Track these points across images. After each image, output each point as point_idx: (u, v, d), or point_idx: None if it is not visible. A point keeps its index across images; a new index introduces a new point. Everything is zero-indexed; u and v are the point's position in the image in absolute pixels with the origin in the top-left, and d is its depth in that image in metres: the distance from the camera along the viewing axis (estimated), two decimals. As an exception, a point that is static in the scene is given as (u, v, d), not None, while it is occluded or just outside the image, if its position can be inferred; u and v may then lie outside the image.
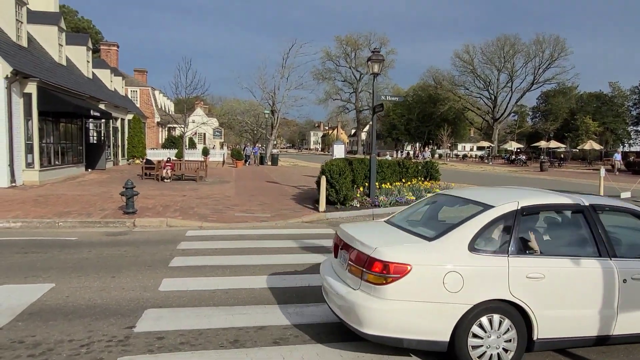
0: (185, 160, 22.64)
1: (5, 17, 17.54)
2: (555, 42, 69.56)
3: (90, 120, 23.78)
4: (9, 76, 14.89)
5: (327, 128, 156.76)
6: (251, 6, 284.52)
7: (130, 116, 32.15)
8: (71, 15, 73.01)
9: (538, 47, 70.87)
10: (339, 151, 24.76)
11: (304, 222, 11.52)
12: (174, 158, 26.56)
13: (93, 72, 30.37)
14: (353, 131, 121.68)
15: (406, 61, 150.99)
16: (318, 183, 13.39)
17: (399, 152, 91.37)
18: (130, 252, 7.83)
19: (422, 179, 17.96)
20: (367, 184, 15.11)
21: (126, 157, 31.24)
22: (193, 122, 62.33)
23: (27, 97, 16.27)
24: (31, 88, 16.27)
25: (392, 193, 14.84)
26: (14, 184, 15.37)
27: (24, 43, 18.48)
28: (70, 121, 20.30)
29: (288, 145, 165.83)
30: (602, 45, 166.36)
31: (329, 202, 12.88)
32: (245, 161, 38.66)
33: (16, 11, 17.84)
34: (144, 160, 23.36)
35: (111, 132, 27.27)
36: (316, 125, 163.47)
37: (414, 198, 14.72)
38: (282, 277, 6.58)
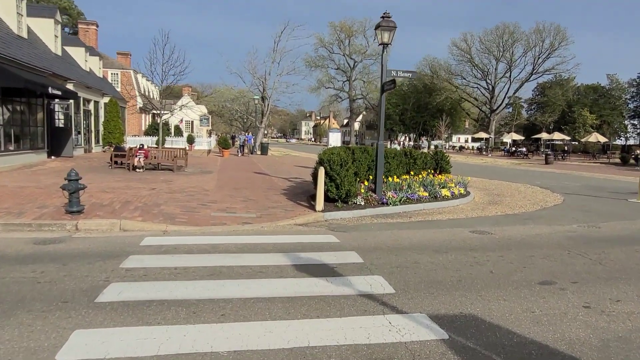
0: (163, 148, 20.11)
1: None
2: (556, 31, 67.34)
3: (56, 101, 21.10)
4: (-61, 41, 12.26)
5: (318, 118, 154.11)
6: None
7: (106, 99, 29.39)
8: (51, -6, 69.36)
9: (538, 36, 68.60)
10: (335, 140, 22.42)
11: (298, 225, 9.16)
12: (153, 145, 24.02)
13: (64, 50, 27.54)
14: (345, 121, 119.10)
15: (401, 50, 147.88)
16: (314, 176, 11.01)
17: (392, 142, 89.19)
18: (49, 275, 5.42)
19: (432, 171, 15.67)
20: (371, 177, 12.78)
21: (101, 144, 28.54)
22: (180, 109, 59.70)
23: (-33, 69, 13.65)
24: (-28, 58, 13.64)
25: (402, 188, 12.51)
26: (-52, 173, 12.82)
27: (-30, 7, 15.76)
28: (28, 101, 17.64)
29: (279, 135, 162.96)
30: (601, 37, 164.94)
31: (327, 199, 10.53)
32: (240, 151, 35.93)
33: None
34: (113, 147, 20.77)
35: (82, 115, 24.55)
36: (308, 115, 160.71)
37: (427, 194, 12.42)
38: (266, 326, 4.21)
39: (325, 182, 10.31)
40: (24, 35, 20.02)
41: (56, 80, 20.28)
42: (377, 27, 11.23)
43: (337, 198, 10.57)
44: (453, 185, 13.87)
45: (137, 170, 17.02)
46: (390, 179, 13.05)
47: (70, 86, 21.82)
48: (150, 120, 50.80)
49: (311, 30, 61.12)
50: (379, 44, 11.42)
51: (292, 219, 9.43)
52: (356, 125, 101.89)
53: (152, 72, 19.66)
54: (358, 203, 10.92)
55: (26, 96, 17.23)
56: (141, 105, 45.07)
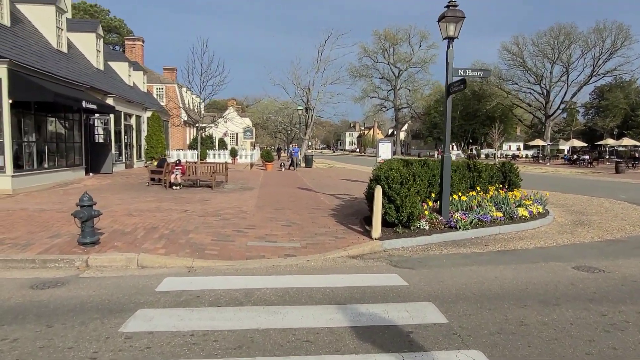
0: (202, 163, 19.01)
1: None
2: (618, 30, 62.57)
3: (96, 116, 20.54)
4: (-35, 55, 11.55)
5: (362, 128, 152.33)
6: (289, 10, 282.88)
7: (149, 113, 28.96)
8: (102, 14, 71.81)
9: (598, 35, 64.01)
10: (385, 151, 20.53)
11: (351, 258, 7.48)
12: (192, 160, 23.07)
13: (108, 64, 27.36)
14: (390, 130, 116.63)
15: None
16: (369, 196, 9.31)
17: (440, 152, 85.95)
18: (20, 346, 3.99)
19: (500, 185, 13.57)
20: (433, 195, 10.93)
21: (143, 159, 28.03)
22: (224, 122, 59.61)
23: (-3, 84, 12.95)
24: (2, 72, 12.92)
25: (472, 208, 10.57)
26: (-25, 194, 12.04)
27: (5, 21, 15.23)
28: (65, 117, 17.00)
29: (323, 146, 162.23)
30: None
31: (385, 224, 8.79)
32: (291, 165, 33.04)
33: (-6, -19, 14.62)
34: (157, 161, 19.85)
35: (123, 130, 24.00)
36: (352, 125, 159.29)
37: (501, 214, 10.42)
38: None
39: (382, 204, 8.57)
40: (64, 49, 19.59)
41: (95, 94, 19.69)
42: (441, 18, 9.46)
43: (398, 222, 8.80)
44: (530, 202, 11.76)
45: (174, 187, 15.89)
46: (455, 196, 11.14)
47: (110, 100, 21.24)
48: (195, 134, 50.79)
49: (356, 39, 59.59)
50: (443, 39, 9.63)
51: (344, 250, 7.75)
52: (401, 135, 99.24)
53: (189, 81, 18.69)
54: (422, 228, 9.10)
55: (62, 111, 16.57)
56: (185, 119, 45.00)
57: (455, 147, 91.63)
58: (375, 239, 8.38)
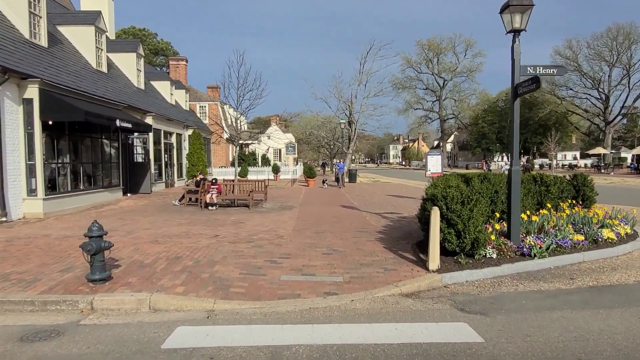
0: (241, 180, 18.14)
1: (17, 8, 14.15)
2: (685, 27, 57.84)
3: (135, 135, 20.24)
4: (-6, 75, 11.19)
5: (407, 141, 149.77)
6: (330, 26, 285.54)
7: (190, 131, 28.71)
8: (150, 37, 74.21)
9: (662, 34, 59.45)
10: (434, 164, 18.92)
11: (405, 297, 6.12)
12: (230, 178, 22.29)
13: (150, 84, 27.46)
14: (436, 142, 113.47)
15: (493, 65, 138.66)
16: (424, 219, 7.92)
17: (487, 163, 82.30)
18: None
19: (572, 201, 11.74)
20: (497, 215, 9.38)
21: (184, 177, 27.69)
22: (268, 138, 59.48)
23: (29, 104, 12.57)
24: (33, 92, 12.55)
25: (546, 230, 8.94)
26: (4, 219, 11.55)
27: (42, 42, 15.05)
28: (101, 136, 16.63)
29: (366, 160, 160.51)
30: None
31: (444, 252, 7.37)
32: (336, 180, 30.86)
33: (30, 2, 14.46)
34: (196, 179, 19.14)
35: (163, 148, 23.69)
36: (395, 138, 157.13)
37: (582, 238, 8.71)
38: None
39: (441, 228, 7.17)
40: (103, 69, 19.45)
41: (134, 113, 19.37)
42: (505, 8, 8.05)
43: (459, 250, 7.36)
44: (617, 222, 9.93)
45: (210, 208, 15.04)
46: (523, 216, 9.51)
47: (149, 119, 20.93)
48: (238, 151, 50.74)
49: (398, 49, 58.00)
50: (507, 32, 8.19)
51: (396, 286, 6.40)
52: (448, 147, 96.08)
53: (226, 96, 17.98)
54: (488, 256, 7.60)
55: (98, 131, 16.19)
56: (227, 136, 44.96)
57: (505, 158, 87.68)
58: (433, 271, 6.97)
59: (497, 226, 8.48)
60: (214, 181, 15.75)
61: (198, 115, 41.52)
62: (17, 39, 13.56)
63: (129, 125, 16.16)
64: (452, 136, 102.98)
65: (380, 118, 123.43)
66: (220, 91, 19.13)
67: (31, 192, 12.62)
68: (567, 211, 10.30)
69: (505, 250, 7.82)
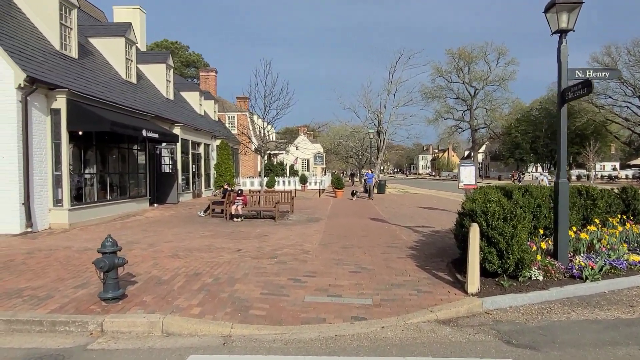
0: (267, 191, 17.80)
1: (48, 20, 14.30)
2: None
3: (163, 145, 20.22)
4: (22, 85, 11.17)
5: (436, 151, 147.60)
6: (357, 37, 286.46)
7: (218, 142, 28.71)
8: (182, 50, 75.80)
9: None
10: (468, 175, 18.11)
11: (441, 324, 5.51)
12: (256, 188, 22.00)
13: (179, 94, 27.66)
14: (466, 153, 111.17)
15: (527, 73, 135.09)
16: (461, 236, 7.28)
17: (520, 174, 79.83)
18: None
19: (622, 217, 10.79)
20: (541, 232, 8.63)
21: (212, 187, 27.64)
22: (296, 149, 59.22)
23: (57, 114, 12.57)
24: (61, 102, 12.54)
25: (597, 250, 8.13)
26: (29, 229, 11.48)
27: (72, 53, 15.16)
28: (129, 147, 16.61)
29: (395, 170, 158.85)
30: None
31: (484, 272, 6.70)
32: (365, 192, 29.98)
33: (61, 14, 14.59)
34: (221, 190, 18.88)
35: (190, 159, 23.66)
36: (425, 148, 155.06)
37: (639, 259, 7.85)
38: None
39: (480, 247, 6.52)
40: (133, 80, 19.57)
41: (162, 123, 19.37)
42: (550, 7, 7.40)
43: (501, 271, 6.68)
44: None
45: (235, 219, 14.70)
46: (570, 233, 8.70)
47: (177, 129, 20.92)
48: (267, 161, 50.73)
49: (428, 58, 57.02)
50: (552, 33, 7.53)
51: (431, 311, 5.79)
52: (479, 157, 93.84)
53: (252, 105, 17.73)
54: (533, 278, 6.88)
55: (125, 141, 16.17)
56: (256, 147, 44.99)
57: (540, 168, 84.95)
58: (472, 295, 6.32)
59: (543, 245, 7.73)
60: (239, 192, 15.44)
61: (227, 125, 41.73)
62: (47, 50, 13.66)
63: (156, 136, 16.08)
64: (484, 146, 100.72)
65: (410, 128, 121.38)
66: (249, 102, 18.94)
67: (57, 202, 12.57)
68: (620, 228, 9.41)
69: (553, 271, 7.08)
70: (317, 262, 8.46)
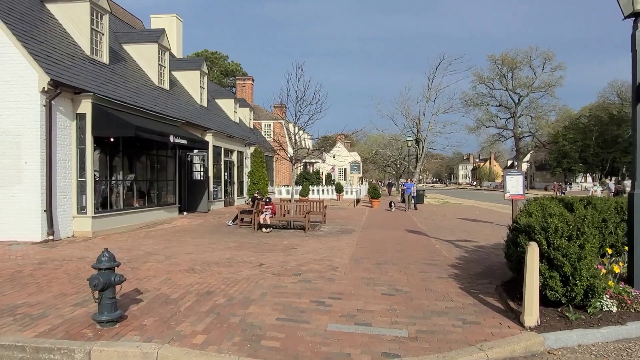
0: (297, 200, 17.03)
1: (79, 25, 14.14)
2: None
3: (195, 152, 19.86)
4: (46, 89, 10.88)
5: (477, 160, 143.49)
6: (396, 46, 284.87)
7: (252, 149, 28.27)
8: (221, 59, 76.81)
9: None
10: (515, 185, 16.65)
11: (494, 366, 4.47)
12: (298, 197, 21.28)
13: (214, 102, 27.48)
14: (509, 162, 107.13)
15: (576, 78, 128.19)
16: (516, 258, 6.17)
17: (568, 184, 75.89)
18: None
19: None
20: (608, 250, 7.36)
21: (245, 196, 27.15)
22: (333, 157, 58.41)
23: (82, 119, 12.26)
24: (86, 107, 12.23)
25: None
26: (51, 237, 11.12)
27: (103, 58, 14.96)
28: (158, 153, 16.26)
29: (434, 180, 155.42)
30: None
31: (544, 301, 5.59)
32: (404, 202, 28.10)
33: (92, 19, 14.42)
34: (251, 199, 18.28)
35: (223, 166, 23.25)
36: (465, 157, 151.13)
37: None
38: None
39: (540, 271, 5.42)
40: (165, 86, 19.34)
41: (194, 130, 19.02)
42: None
43: (566, 300, 5.55)
44: None
45: (264, 230, 13.97)
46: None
47: (209, 136, 20.55)
48: (302, 170, 50.16)
49: (469, 63, 55.12)
50: (625, 17, 6.37)
51: (481, 349, 4.75)
52: (523, 166, 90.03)
53: (283, 110, 17.09)
54: (605, 309, 5.70)
55: (154, 148, 15.82)
56: (291, 155, 44.49)
57: (589, 178, 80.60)
58: (530, 329, 5.23)
59: (617, 269, 6.48)
60: (267, 201, 14.72)
61: (263, 133, 41.43)
62: (76, 55, 13.46)
63: (185, 142, 15.64)
64: (528, 155, 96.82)
65: (450, 136, 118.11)
66: (287, 110, 18.38)
67: (81, 209, 12.22)
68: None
69: (629, 301, 5.87)
70: (346, 281, 7.52)
